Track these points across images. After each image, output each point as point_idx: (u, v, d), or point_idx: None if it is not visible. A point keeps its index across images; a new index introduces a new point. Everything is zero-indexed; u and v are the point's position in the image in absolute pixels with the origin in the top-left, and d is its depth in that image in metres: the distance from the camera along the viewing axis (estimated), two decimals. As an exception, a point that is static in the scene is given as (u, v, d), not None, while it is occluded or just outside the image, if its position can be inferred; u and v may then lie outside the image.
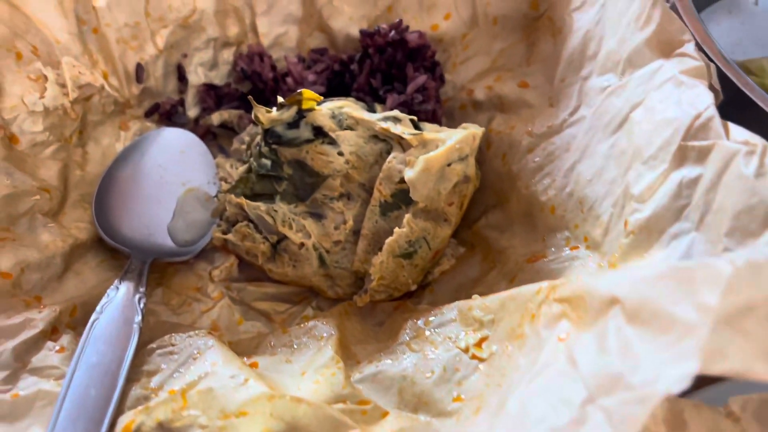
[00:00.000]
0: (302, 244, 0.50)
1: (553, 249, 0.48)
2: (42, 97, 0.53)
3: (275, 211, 0.50)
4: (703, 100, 0.40)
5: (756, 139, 0.37)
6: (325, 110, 0.51)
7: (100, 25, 0.57)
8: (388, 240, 0.48)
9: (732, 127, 0.39)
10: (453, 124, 0.61)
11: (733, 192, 0.36)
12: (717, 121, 0.39)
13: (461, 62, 0.62)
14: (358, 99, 0.58)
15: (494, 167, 0.56)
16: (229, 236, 0.51)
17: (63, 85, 0.55)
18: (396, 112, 0.51)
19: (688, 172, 0.40)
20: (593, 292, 0.34)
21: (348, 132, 0.50)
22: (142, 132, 0.60)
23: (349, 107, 0.52)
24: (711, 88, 0.43)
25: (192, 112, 0.63)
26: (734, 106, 0.46)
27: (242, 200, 0.50)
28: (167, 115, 0.61)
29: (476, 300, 0.44)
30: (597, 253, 0.45)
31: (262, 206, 0.50)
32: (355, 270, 0.50)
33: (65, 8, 0.56)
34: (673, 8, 0.52)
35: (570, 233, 0.48)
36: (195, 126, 0.62)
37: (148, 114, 0.61)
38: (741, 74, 0.47)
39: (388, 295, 0.50)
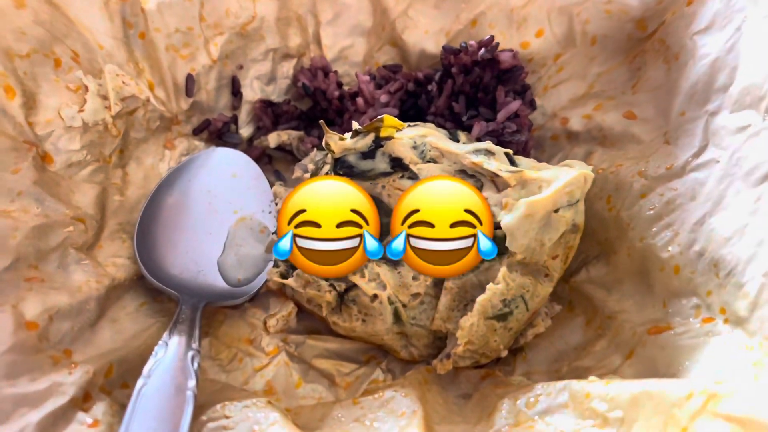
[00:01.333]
0: (375, 296, 0.42)
1: (678, 318, 0.40)
2: (81, 110, 0.46)
3: None
4: None
5: None
6: (406, 139, 0.44)
7: (149, 30, 0.50)
8: (480, 299, 0.40)
9: None
10: (542, 156, 0.54)
11: None
12: None
13: (553, 86, 0.55)
14: (436, 124, 0.50)
15: (596, 211, 0.48)
16: (289, 281, 0.44)
17: (105, 97, 0.48)
18: (488, 144, 0.44)
19: None
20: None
21: (431, 165, 0.43)
22: (190, 152, 0.53)
23: (433, 136, 0.44)
24: None
25: (245, 130, 0.56)
26: None
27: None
28: (218, 133, 0.54)
29: (595, 384, 0.36)
30: (742, 331, 0.37)
31: None
32: (434, 329, 0.43)
33: (111, 9, 0.49)
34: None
35: (701, 301, 0.40)
36: (248, 147, 0.56)
37: (196, 131, 0.54)
38: None
39: (474, 361, 0.43)
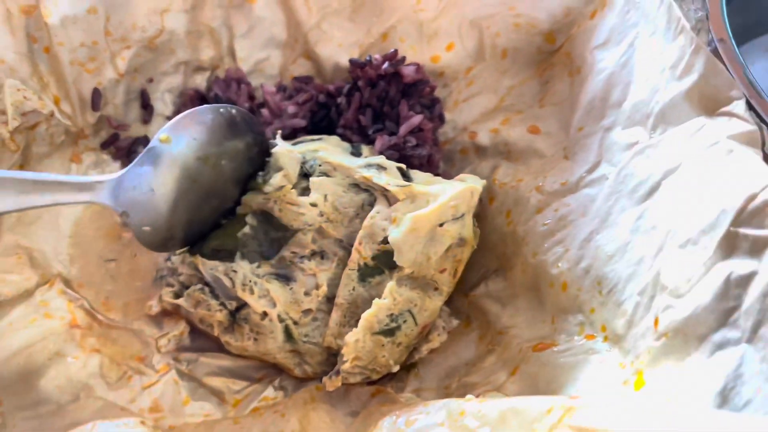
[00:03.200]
0: (265, 314, 0.42)
1: (563, 335, 0.40)
2: (-26, 126, 0.45)
3: (234, 271, 0.42)
4: (758, 177, 0.33)
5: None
6: (295, 153, 0.43)
7: (52, 44, 0.50)
8: (365, 314, 0.40)
9: (797, 213, 0.31)
10: (452, 169, 0.54)
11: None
12: (778, 205, 0.31)
13: (464, 100, 0.55)
14: (344, 137, 0.50)
15: (497, 225, 0.48)
16: (180, 301, 0.43)
17: (2, 113, 0.47)
18: (381, 159, 0.44)
19: (739, 266, 0.32)
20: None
21: (324, 179, 0.43)
22: (98, 165, 0.53)
23: (326, 150, 0.44)
24: (765, 158, 0.35)
25: None
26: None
27: (197, 258, 0.43)
28: (127, 150, 0.53)
29: (470, 403, 0.36)
30: (618, 349, 0.37)
31: (220, 266, 0.42)
32: (326, 346, 0.42)
33: (14, 24, 0.49)
34: (714, 52, 0.45)
35: (584, 318, 0.40)
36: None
37: (105, 146, 0.53)
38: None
39: (364, 377, 0.42)
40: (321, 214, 0.42)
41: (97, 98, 0.52)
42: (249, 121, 0.44)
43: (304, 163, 0.44)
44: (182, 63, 0.55)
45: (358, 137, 0.50)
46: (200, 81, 0.57)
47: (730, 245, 0.33)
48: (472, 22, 0.54)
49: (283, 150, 0.43)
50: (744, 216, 0.32)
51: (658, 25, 0.42)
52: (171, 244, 0.42)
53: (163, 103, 0.55)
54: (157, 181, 0.40)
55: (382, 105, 0.50)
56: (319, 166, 0.43)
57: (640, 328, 0.36)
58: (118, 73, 0.53)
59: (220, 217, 0.44)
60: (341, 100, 0.51)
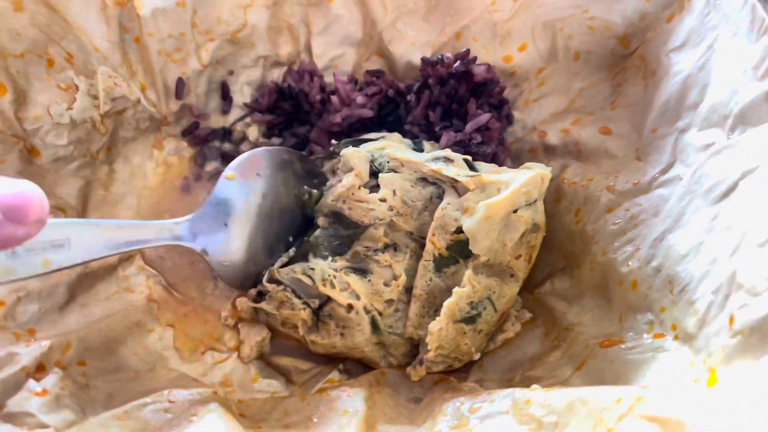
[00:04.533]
0: (351, 306, 0.43)
1: (631, 333, 0.40)
2: (70, 108, 0.48)
3: (312, 269, 0.43)
4: None
5: None
6: (364, 153, 0.45)
7: (143, 35, 0.53)
8: (447, 302, 0.41)
9: None
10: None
11: None
12: None
13: (534, 100, 0.55)
14: (411, 133, 0.51)
15: (565, 224, 0.48)
16: (262, 304, 0.45)
17: (95, 97, 0.50)
18: (447, 152, 0.45)
19: (821, 264, 0.31)
20: (697, 424, 0.26)
21: (392, 175, 0.44)
22: (178, 152, 0.55)
23: (392, 147, 0.45)
24: None
25: (252, 132, 0.58)
26: None
27: (273, 270, 0.44)
28: (203, 140, 0.56)
29: (537, 392, 0.36)
30: (689, 348, 0.36)
31: (296, 267, 0.44)
32: (408, 336, 0.43)
33: (109, 14, 0.52)
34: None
35: (654, 317, 0.40)
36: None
37: (185, 133, 0.56)
38: None
39: (447, 365, 0.43)
40: (390, 209, 0.43)
41: (180, 87, 0.55)
42: (294, 153, 0.49)
43: (372, 161, 0.45)
44: (261, 57, 0.58)
45: (425, 134, 0.51)
46: (278, 75, 0.59)
47: (813, 244, 0.32)
48: (545, 23, 0.54)
49: (352, 151, 0.45)
50: (828, 215, 0.32)
51: (740, 26, 0.42)
52: (250, 276, 0.46)
53: (241, 95, 0.58)
54: (228, 217, 0.43)
55: (451, 103, 0.51)
56: (387, 162, 0.45)
57: (713, 327, 0.35)
58: (201, 64, 0.56)
59: (289, 239, 0.46)
60: (410, 97, 0.52)
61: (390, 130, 0.52)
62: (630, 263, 0.42)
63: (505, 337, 0.45)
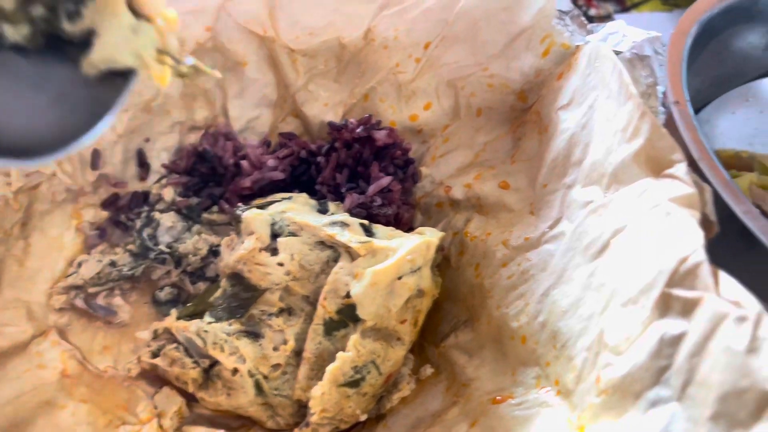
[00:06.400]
0: (236, 370, 0.44)
1: (521, 389, 0.42)
2: (-21, 188, 0.49)
3: (206, 331, 0.45)
4: (691, 239, 0.34)
5: (749, 301, 0.30)
6: (265, 216, 0.46)
7: (55, 109, 0.54)
8: (330, 368, 0.42)
9: (723, 278, 0.32)
10: (428, 222, 0.56)
11: (719, 365, 0.30)
12: (706, 268, 0.33)
13: (441, 155, 0.57)
14: (321, 193, 0.53)
15: (467, 277, 0.50)
16: (158, 360, 0.46)
17: (7, 174, 0.51)
18: (345, 216, 0.47)
19: (671, 326, 0.33)
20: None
21: (291, 239, 0.46)
22: (98, 221, 0.56)
23: (294, 210, 0.47)
24: (703, 219, 0.37)
25: (168, 193, 0.59)
26: (735, 238, 0.39)
27: (170, 323, 0.45)
28: (126, 207, 0.57)
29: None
30: (568, 404, 0.38)
31: (191, 327, 0.45)
32: (296, 398, 0.45)
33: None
34: (669, 115, 0.46)
35: (541, 371, 0.42)
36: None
37: (104, 205, 0.57)
38: (742, 198, 0.41)
39: (333, 427, 0.44)
40: (287, 273, 0.45)
41: (96, 158, 0.56)
42: None
43: (273, 224, 0.46)
44: (177, 123, 0.59)
45: (333, 194, 0.53)
46: (195, 139, 0.60)
47: (665, 305, 0.34)
48: (448, 82, 0.57)
49: (252, 214, 0.46)
50: (677, 277, 0.34)
51: (612, 89, 0.44)
52: None
53: (159, 160, 0.59)
54: None
55: (357, 165, 0.53)
56: (287, 226, 0.46)
57: (586, 384, 0.37)
58: (116, 134, 0.57)
59: None
60: (320, 158, 0.54)
61: (303, 191, 0.54)
62: (520, 318, 0.44)
63: (401, 395, 0.46)
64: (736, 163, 0.66)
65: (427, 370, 0.48)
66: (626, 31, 0.52)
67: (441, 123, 0.57)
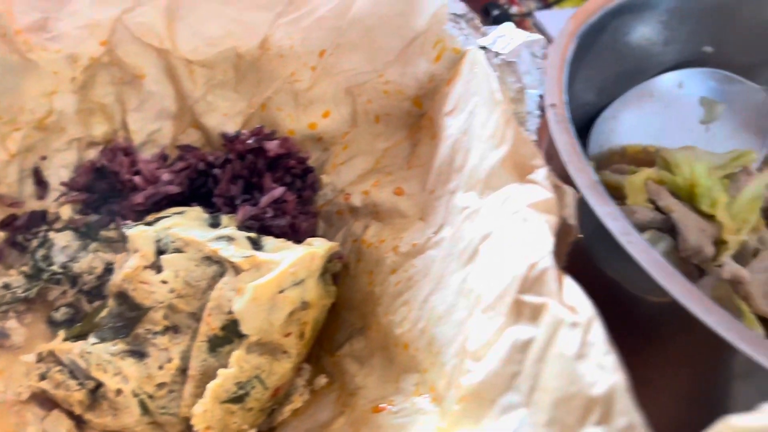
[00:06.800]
0: (119, 390, 0.44)
1: (401, 396, 0.42)
2: None
3: (89, 353, 0.44)
4: (541, 246, 0.35)
5: (583, 307, 0.31)
6: (151, 233, 0.46)
7: (-57, 129, 0.53)
8: (211, 385, 0.42)
9: (567, 283, 0.33)
10: (330, 230, 0.56)
11: (554, 371, 0.31)
12: (551, 274, 0.33)
13: (342, 163, 0.57)
14: (217, 206, 0.53)
15: (361, 285, 0.51)
16: (43, 383, 0.45)
17: None
18: (231, 231, 0.47)
19: (522, 332, 0.34)
20: None
21: (175, 255, 0.45)
22: (-7, 241, 0.55)
23: (180, 226, 0.47)
24: (563, 223, 0.37)
25: (66, 211, 0.58)
26: (606, 239, 0.40)
27: (53, 345, 0.45)
28: (24, 227, 0.56)
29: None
30: (439, 410, 0.39)
31: (75, 349, 0.44)
32: (184, 416, 0.44)
33: None
34: (543, 118, 0.47)
35: (420, 378, 0.42)
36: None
37: (1, 226, 0.56)
38: (606, 200, 0.41)
39: (220, 443, 0.44)
40: (171, 291, 0.45)
41: (-12, 179, 0.55)
42: None
43: (158, 241, 0.46)
44: (75, 139, 0.58)
45: (228, 207, 0.53)
46: (94, 154, 0.59)
47: (517, 312, 0.35)
48: (346, 90, 0.57)
49: (137, 232, 0.46)
50: (527, 283, 0.34)
51: (485, 95, 0.45)
52: None
53: (58, 177, 0.58)
54: None
55: (251, 176, 0.52)
56: (172, 242, 0.46)
57: (452, 391, 0.38)
58: (9, 154, 0.56)
59: None
60: (217, 170, 0.54)
61: (202, 203, 0.54)
62: (404, 325, 0.45)
63: (292, 407, 0.46)
64: (643, 158, 0.67)
65: (321, 381, 0.48)
66: (513, 35, 0.53)
67: (341, 130, 0.57)
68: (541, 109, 0.47)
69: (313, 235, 0.55)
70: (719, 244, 0.55)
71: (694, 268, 0.55)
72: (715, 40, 0.68)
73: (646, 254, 0.37)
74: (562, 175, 0.41)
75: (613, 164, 0.64)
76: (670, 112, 0.69)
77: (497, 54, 0.49)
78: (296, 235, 0.52)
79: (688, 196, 0.57)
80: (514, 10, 0.93)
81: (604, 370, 0.28)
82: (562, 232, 0.38)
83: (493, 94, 0.42)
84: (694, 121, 0.69)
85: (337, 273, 0.52)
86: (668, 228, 0.55)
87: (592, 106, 0.66)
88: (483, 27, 0.56)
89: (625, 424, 0.27)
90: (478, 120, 0.46)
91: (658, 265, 0.36)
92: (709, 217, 0.56)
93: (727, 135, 0.68)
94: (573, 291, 0.32)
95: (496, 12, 0.87)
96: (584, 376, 0.29)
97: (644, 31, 0.64)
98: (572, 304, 0.31)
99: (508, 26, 0.54)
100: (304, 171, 0.55)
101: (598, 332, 0.29)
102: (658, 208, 0.56)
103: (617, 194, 0.58)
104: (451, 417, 0.36)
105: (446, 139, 0.49)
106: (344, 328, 0.51)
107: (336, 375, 0.49)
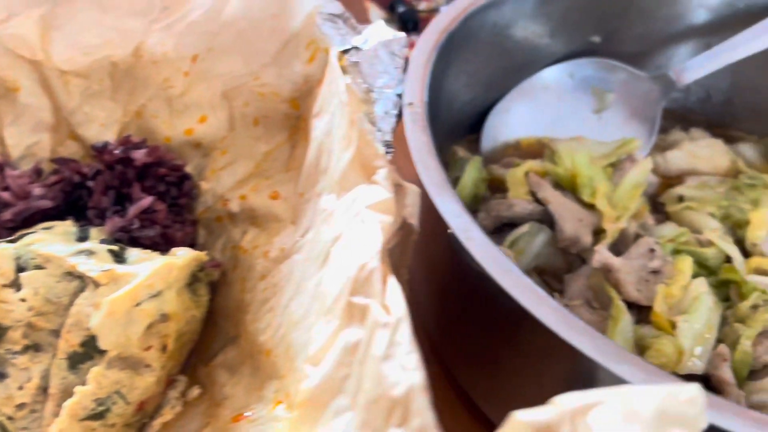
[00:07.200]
0: None
1: (261, 404, 0.42)
2: None
3: None
4: (371, 247, 0.35)
5: (397, 306, 0.31)
6: (10, 251, 0.45)
7: None
8: (67, 403, 0.41)
9: (390, 283, 0.33)
10: (211, 237, 0.55)
11: (368, 373, 0.31)
12: (377, 275, 0.33)
13: (221, 168, 0.56)
14: (89, 218, 0.52)
15: (235, 293, 0.50)
16: None
17: None
18: (91, 244, 0.45)
19: (352, 334, 0.34)
20: None
21: (35, 272, 0.44)
22: None
23: (42, 242, 0.45)
24: (403, 223, 0.37)
25: None
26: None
27: None
28: None
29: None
30: (290, 418, 0.38)
31: None
32: (45, 437, 0.43)
33: None
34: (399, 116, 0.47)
35: (279, 384, 0.42)
36: None
37: None
38: (451, 197, 0.41)
39: (84, 462, 0.43)
40: (30, 309, 0.43)
41: None
42: None
43: (18, 258, 0.45)
44: (-56, 158, 0.57)
45: (100, 219, 0.51)
46: (-32, 172, 0.58)
47: (350, 314, 0.35)
48: (222, 93, 0.56)
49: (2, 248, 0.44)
50: (357, 285, 0.34)
51: (340, 97, 0.45)
52: None
53: (-71, 197, 0.56)
54: None
55: (122, 187, 0.51)
56: (32, 259, 0.45)
57: (299, 397, 0.37)
58: None
59: None
60: (91, 182, 0.53)
61: (79, 217, 0.52)
62: (267, 332, 0.44)
63: (162, 420, 0.45)
64: (537, 150, 0.68)
65: (194, 392, 0.47)
66: (383, 33, 0.52)
67: (219, 135, 0.57)
68: (400, 108, 0.47)
69: (192, 244, 0.54)
70: (599, 233, 0.55)
71: (575, 258, 0.56)
72: (601, 29, 0.69)
73: (483, 250, 0.37)
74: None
75: (507, 158, 0.65)
76: (564, 103, 0.70)
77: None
78: (170, 245, 0.51)
79: (570, 186, 0.58)
80: (423, 6, 0.93)
81: (405, 370, 0.28)
82: (405, 231, 0.38)
83: (341, 96, 0.42)
84: (588, 110, 0.70)
85: (214, 281, 0.51)
86: (548, 219, 0.55)
87: (482, 102, 0.67)
88: (359, 26, 0.56)
89: (419, 425, 0.27)
90: (337, 121, 0.45)
91: (494, 261, 0.37)
92: (590, 207, 0.56)
93: (619, 123, 0.70)
94: (393, 291, 0.32)
95: (401, 9, 0.87)
96: (388, 377, 0.29)
97: (527, 25, 0.64)
98: (388, 304, 0.31)
99: (380, 25, 0.54)
100: (181, 178, 0.54)
101: (404, 332, 0.29)
102: (538, 200, 0.56)
103: (502, 187, 0.59)
104: (291, 424, 0.36)
105: (313, 141, 0.49)
106: (220, 338, 0.50)
107: (208, 385, 0.48)
